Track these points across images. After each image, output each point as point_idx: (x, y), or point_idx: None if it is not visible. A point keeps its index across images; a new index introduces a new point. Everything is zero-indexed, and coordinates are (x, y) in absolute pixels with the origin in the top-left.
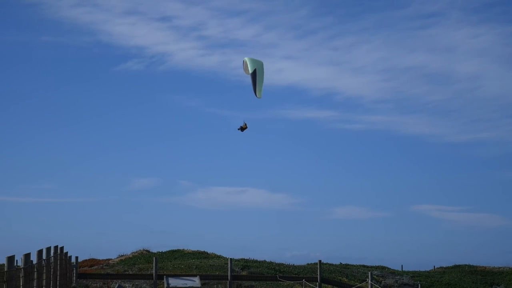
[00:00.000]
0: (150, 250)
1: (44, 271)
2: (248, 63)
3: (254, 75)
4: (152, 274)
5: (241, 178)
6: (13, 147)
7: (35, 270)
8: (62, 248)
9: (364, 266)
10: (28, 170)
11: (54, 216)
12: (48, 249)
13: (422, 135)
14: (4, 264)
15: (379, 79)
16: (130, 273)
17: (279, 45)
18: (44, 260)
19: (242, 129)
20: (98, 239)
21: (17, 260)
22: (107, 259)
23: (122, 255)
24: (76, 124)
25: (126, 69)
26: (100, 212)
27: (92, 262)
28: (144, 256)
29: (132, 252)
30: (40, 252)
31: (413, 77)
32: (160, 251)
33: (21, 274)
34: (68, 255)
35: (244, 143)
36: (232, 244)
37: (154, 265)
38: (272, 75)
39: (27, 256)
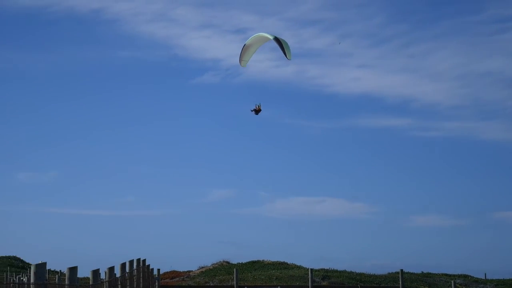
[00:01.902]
0: (230, 262)
1: (128, 283)
2: (264, 34)
3: (277, 40)
4: (233, 286)
5: (319, 188)
6: (95, 163)
7: (119, 283)
8: (144, 260)
9: (446, 274)
10: (109, 184)
11: (135, 228)
12: (131, 262)
13: (502, 140)
14: (89, 278)
15: (456, 85)
16: (211, 284)
17: (354, 54)
18: (127, 273)
19: (256, 111)
20: (178, 251)
21: (100, 274)
22: (188, 271)
23: (202, 267)
24: (154, 137)
25: (202, 82)
26: (180, 224)
27: (173, 274)
28: (224, 267)
29: (213, 264)
30: (123, 265)
31: (491, 82)
32: (240, 262)
33: (106, 287)
34: (150, 267)
35: (321, 152)
36: (312, 254)
37: (234, 276)
38: (347, 83)
39: (111, 269)
